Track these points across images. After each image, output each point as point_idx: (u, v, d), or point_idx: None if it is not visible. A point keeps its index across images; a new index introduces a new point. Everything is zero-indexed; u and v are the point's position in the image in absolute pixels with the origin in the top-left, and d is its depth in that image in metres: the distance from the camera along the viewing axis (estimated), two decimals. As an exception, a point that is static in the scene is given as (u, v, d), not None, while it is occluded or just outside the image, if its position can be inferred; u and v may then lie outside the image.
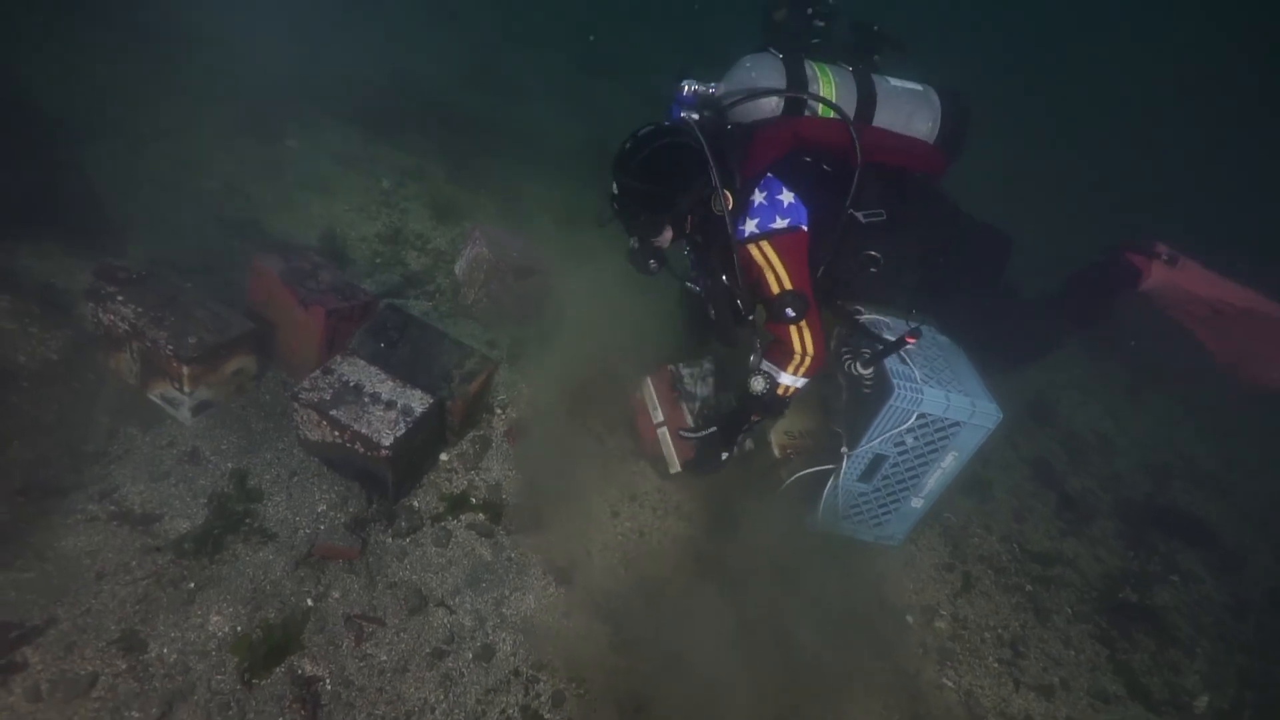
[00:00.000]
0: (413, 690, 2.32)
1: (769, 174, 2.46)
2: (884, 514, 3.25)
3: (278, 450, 2.96)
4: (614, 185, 2.43)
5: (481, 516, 2.96)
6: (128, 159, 4.29)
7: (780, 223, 2.41)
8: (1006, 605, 3.43)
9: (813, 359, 2.50)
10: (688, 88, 2.72)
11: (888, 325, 2.91)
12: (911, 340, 2.59)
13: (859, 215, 2.51)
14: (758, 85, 2.64)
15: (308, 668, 2.28)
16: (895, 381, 2.74)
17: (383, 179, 5.33)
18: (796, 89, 2.61)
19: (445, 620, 2.56)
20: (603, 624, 2.68)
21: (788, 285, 2.37)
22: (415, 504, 2.93)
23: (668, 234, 2.50)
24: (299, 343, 3.18)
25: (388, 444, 2.64)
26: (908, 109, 2.74)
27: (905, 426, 2.83)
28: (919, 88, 2.80)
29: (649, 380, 2.97)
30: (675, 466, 2.89)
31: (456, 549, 2.83)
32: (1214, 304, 2.64)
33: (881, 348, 2.72)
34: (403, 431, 2.70)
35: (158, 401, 2.93)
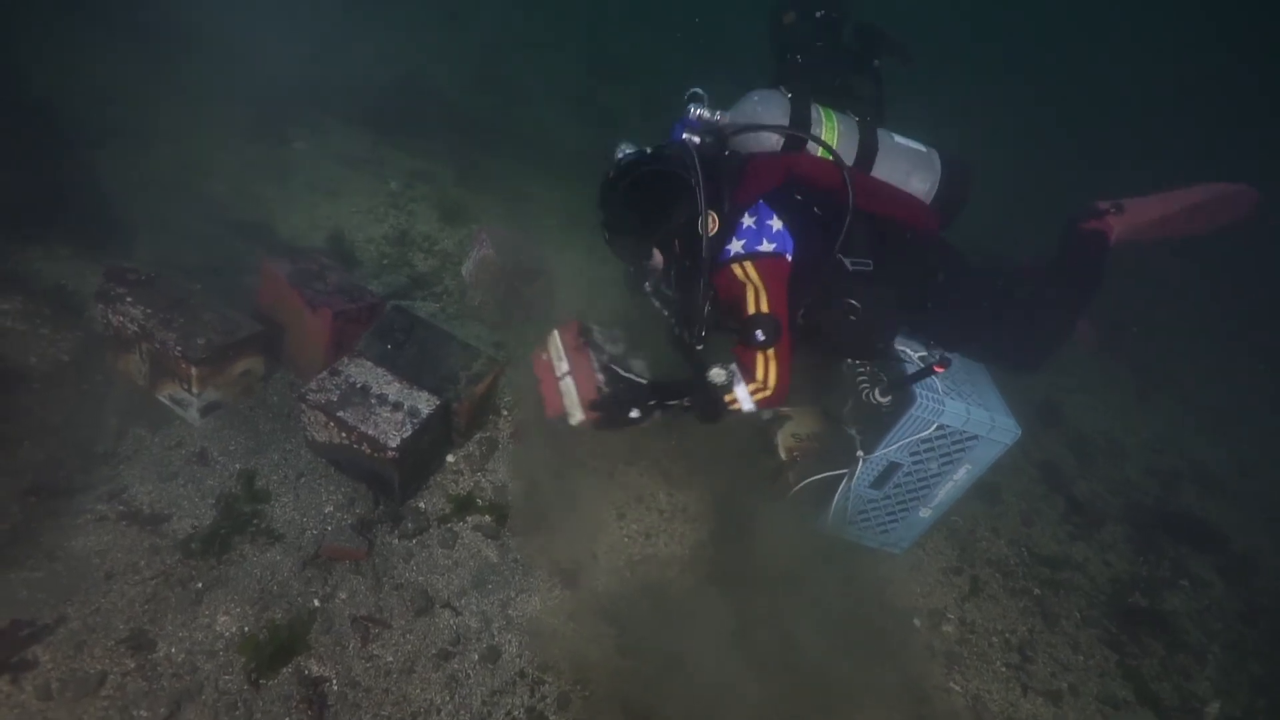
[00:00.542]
0: (418, 691, 2.33)
1: (761, 201, 2.45)
2: (891, 522, 3.23)
3: (285, 451, 2.97)
4: (600, 214, 2.45)
5: (487, 518, 2.97)
6: (136, 161, 4.32)
7: (767, 246, 2.39)
8: (1014, 609, 3.41)
9: (772, 392, 2.37)
10: (694, 111, 2.72)
11: (909, 353, 2.88)
12: (940, 369, 2.53)
13: (847, 262, 2.49)
14: (762, 120, 2.66)
15: (314, 668, 2.29)
16: (918, 391, 2.73)
17: (390, 181, 5.35)
18: (798, 128, 2.63)
19: (451, 622, 2.57)
20: (608, 626, 2.68)
21: (764, 308, 2.30)
22: (422, 505, 2.94)
23: (658, 257, 2.50)
24: (306, 344, 3.20)
25: (394, 445, 2.65)
26: (906, 167, 2.73)
27: (923, 436, 2.82)
28: (923, 149, 2.79)
29: (555, 332, 2.82)
30: (577, 415, 2.68)
31: (462, 550, 2.83)
32: (1173, 214, 2.92)
33: (903, 376, 2.69)
34: (409, 433, 2.71)
35: (166, 402, 2.95)
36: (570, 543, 2.95)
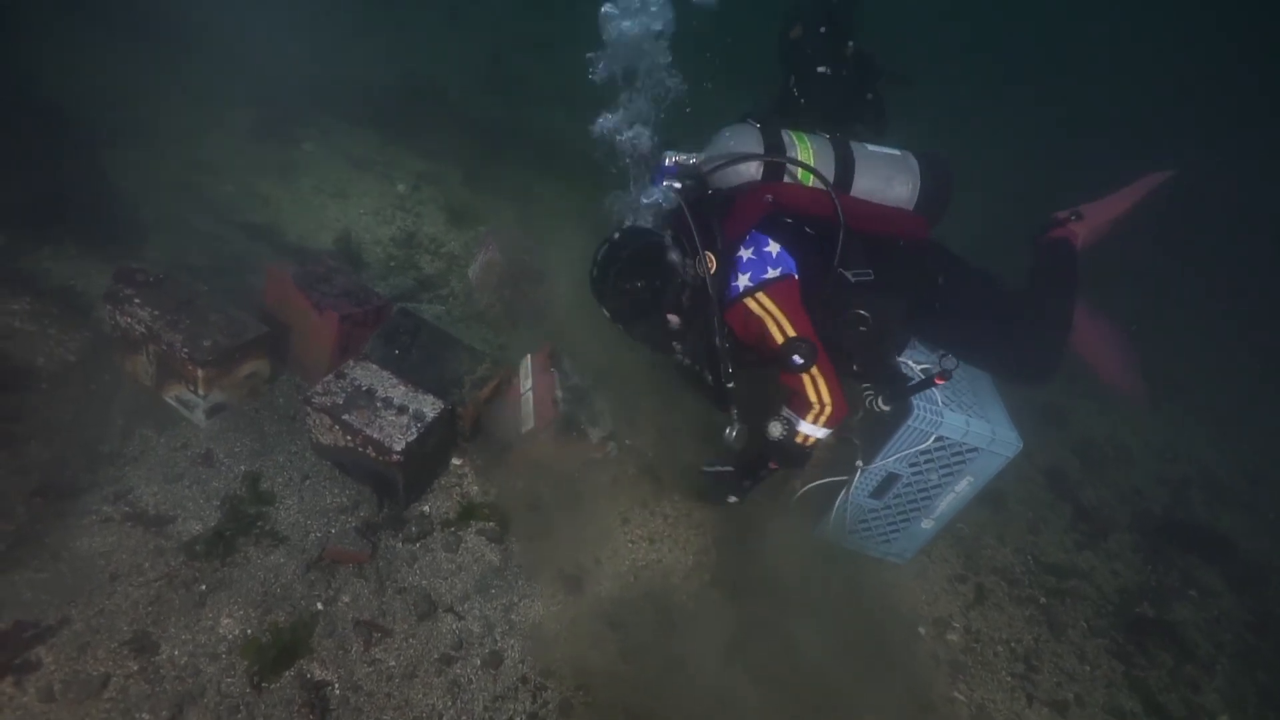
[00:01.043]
0: (421, 696, 2.32)
1: (753, 231, 2.46)
2: (893, 532, 3.22)
3: (290, 453, 2.97)
4: (604, 311, 2.48)
5: (491, 523, 2.96)
6: (144, 162, 4.34)
7: (772, 272, 2.40)
8: (1020, 618, 3.39)
9: (832, 409, 2.40)
10: (670, 159, 2.75)
11: (912, 362, 2.87)
12: (940, 381, 2.54)
13: (848, 274, 2.49)
14: (737, 151, 2.67)
15: (317, 672, 2.29)
16: (915, 402, 2.72)
17: (398, 183, 5.36)
18: (774, 154, 2.64)
19: (454, 626, 2.56)
20: (611, 632, 2.67)
21: (790, 333, 2.31)
22: (426, 509, 2.94)
23: (673, 319, 2.50)
24: (313, 347, 3.20)
25: (399, 449, 2.65)
26: (886, 173, 2.74)
27: (921, 448, 2.80)
28: (896, 152, 2.81)
29: (528, 357, 2.89)
30: (529, 424, 2.71)
31: (466, 555, 2.83)
32: (1126, 210, 3.07)
33: (906, 385, 2.68)
34: (414, 437, 2.71)
35: (173, 404, 2.96)
36: (574, 547, 2.94)
